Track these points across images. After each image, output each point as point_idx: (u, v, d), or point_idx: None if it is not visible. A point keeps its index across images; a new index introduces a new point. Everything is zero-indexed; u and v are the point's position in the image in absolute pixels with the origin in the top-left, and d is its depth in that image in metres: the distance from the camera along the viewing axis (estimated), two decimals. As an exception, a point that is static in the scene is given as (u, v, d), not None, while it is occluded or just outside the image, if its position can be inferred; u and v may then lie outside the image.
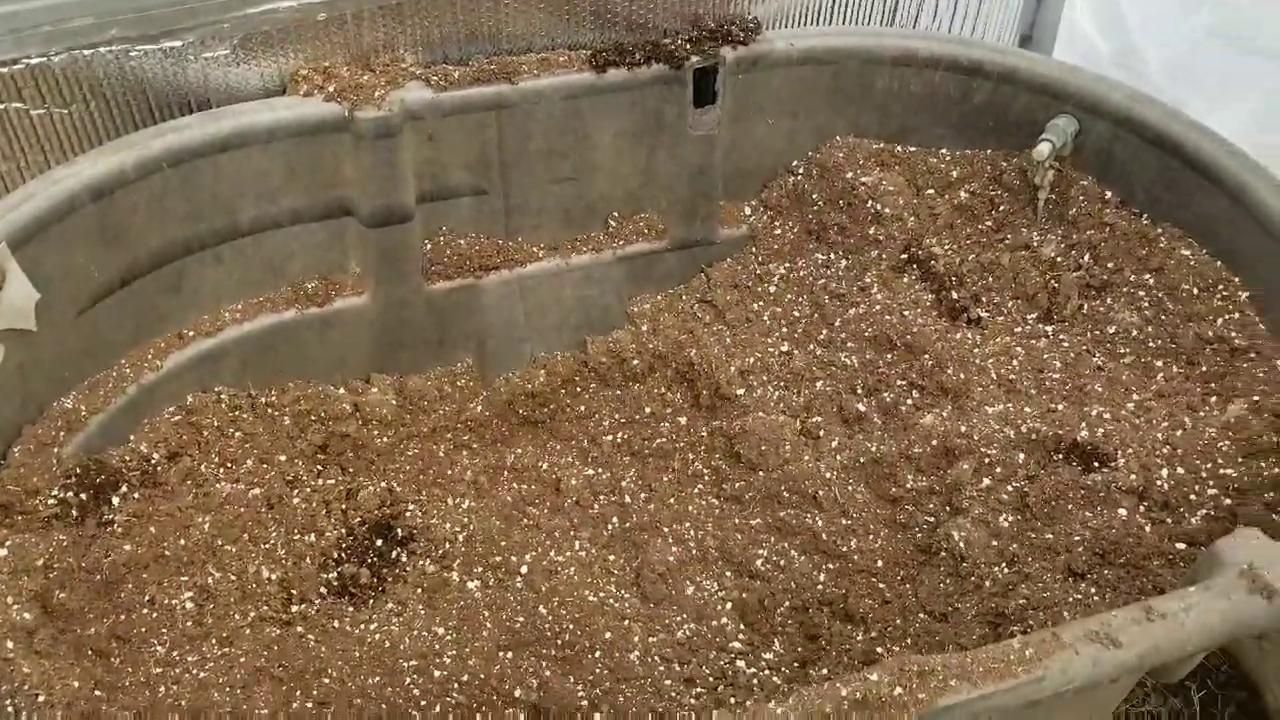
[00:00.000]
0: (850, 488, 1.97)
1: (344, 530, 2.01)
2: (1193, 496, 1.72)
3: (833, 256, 2.31)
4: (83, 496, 1.78)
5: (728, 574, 1.94)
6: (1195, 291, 1.98)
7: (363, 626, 1.83)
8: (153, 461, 1.92)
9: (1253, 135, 2.13)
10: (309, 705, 1.65)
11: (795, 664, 1.76)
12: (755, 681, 1.72)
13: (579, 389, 2.31)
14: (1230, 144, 2.00)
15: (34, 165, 1.94)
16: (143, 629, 1.68)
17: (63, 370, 1.86)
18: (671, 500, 2.09)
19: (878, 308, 2.19)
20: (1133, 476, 1.75)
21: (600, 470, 2.19)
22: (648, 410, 2.26)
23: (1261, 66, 2.15)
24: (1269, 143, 2.09)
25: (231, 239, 2.02)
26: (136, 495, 1.85)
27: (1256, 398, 1.81)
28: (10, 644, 1.37)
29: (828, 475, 1.98)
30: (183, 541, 1.83)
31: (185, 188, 1.90)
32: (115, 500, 1.82)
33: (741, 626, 1.83)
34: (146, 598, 1.73)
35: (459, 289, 2.23)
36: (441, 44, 2.08)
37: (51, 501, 1.73)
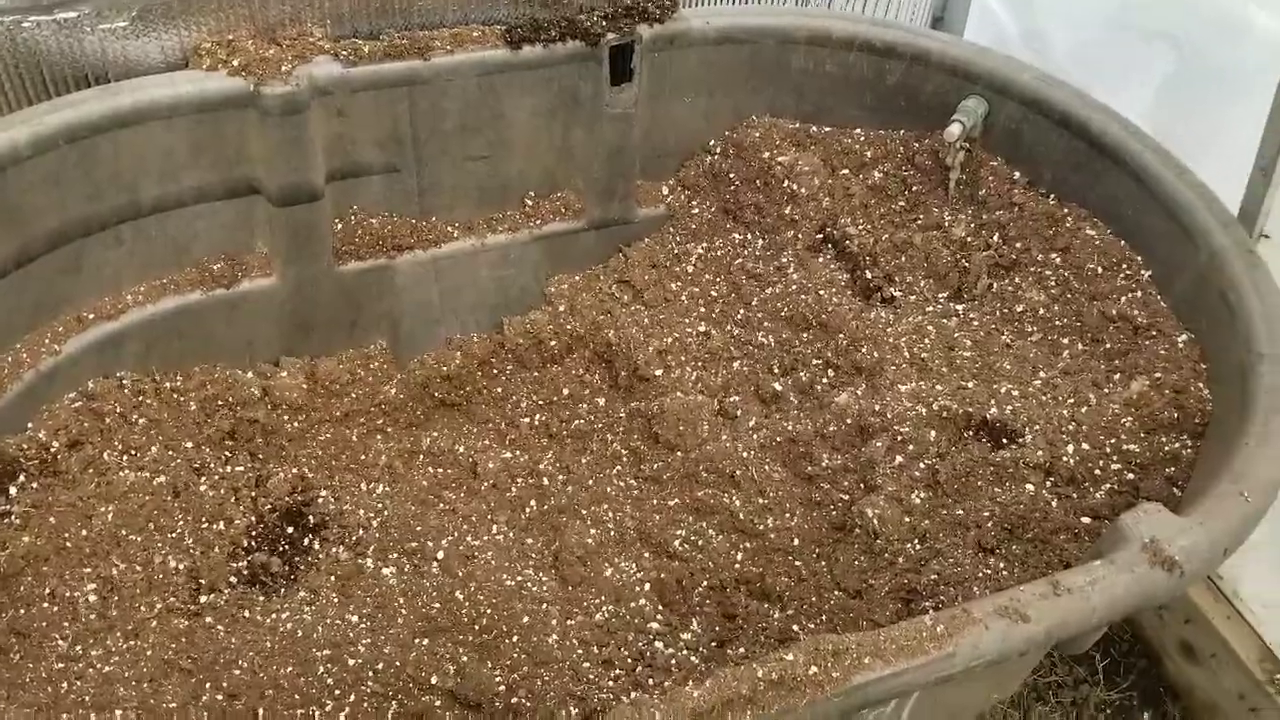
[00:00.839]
0: (767, 467, 1.98)
1: (254, 518, 1.96)
2: (1097, 472, 1.77)
3: (749, 236, 2.32)
4: (-25, 487, 1.71)
5: (646, 555, 1.94)
6: (1100, 271, 2.03)
7: (274, 616, 1.79)
8: (52, 450, 1.85)
9: (1154, 117, 2.18)
10: (219, 698, 1.61)
11: (713, 643, 1.77)
12: (673, 662, 1.73)
13: (495, 371, 2.28)
14: (1134, 126, 2.05)
15: (-82, 141, 1.84)
16: (43, 623, 1.63)
17: (-47, 356, 1.79)
18: (590, 482, 2.09)
19: (794, 287, 2.20)
20: (1040, 453, 1.79)
21: (518, 453, 2.17)
22: (565, 392, 2.25)
23: (1163, 51, 2.20)
24: (1169, 125, 2.15)
25: (133, 218, 1.95)
26: (35, 485, 1.79)
27: (1158, 374, 1.86)
28: (-104, 645, 1.32)
29: (745, 455, 1.99)
30: (84, 532, 1.78)
31: (83, 165, 1.83)
32: (13, 490, 1.76)
33: (660, 607, 1.84)
34: (47, 591, 1.67)
35: (371, 269, 2.19)
36: (351, 18, 2.03)
37: (-57, 493, 1.67)
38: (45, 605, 1.65)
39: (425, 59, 2.03)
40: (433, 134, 2.11)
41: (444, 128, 2.11)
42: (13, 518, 1.71)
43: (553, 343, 2.27)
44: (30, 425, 1.87)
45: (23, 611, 1.62)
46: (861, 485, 1.89)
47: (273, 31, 1.98)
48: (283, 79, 1.92)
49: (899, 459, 1.88)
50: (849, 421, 1.95)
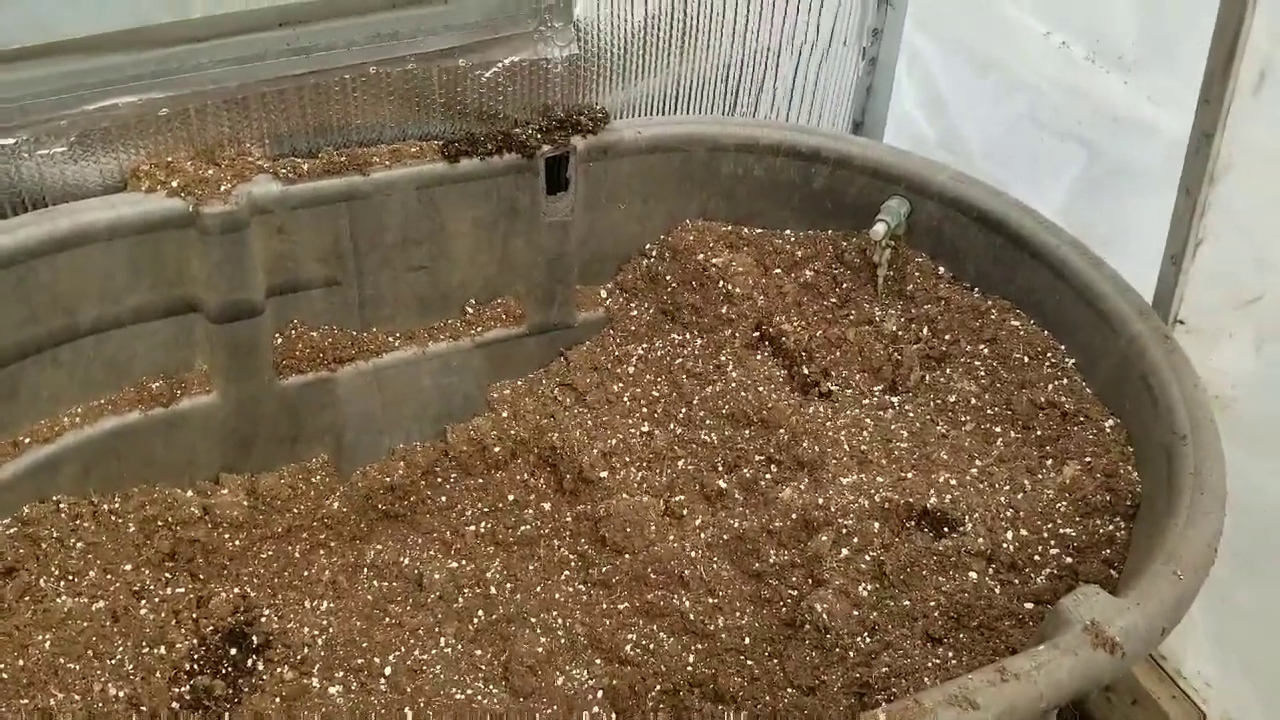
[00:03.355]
0: (715, 565, 1.99)
1: (196, 640, 1.92)
2: (1036, 557, 1.81)
3: (688, 336, 2.37)
4: (-95, 622, 1.66)
5: (597, 661, 1.93)
6: (1027, 360, 2.10)
7: (218, 741, 1.75)
8: (-14, 579, 1.81)
9: (1068, 212, 2.29)
10: (162, 831, 1.56)
11: (669, 749, 1.76)
12: (630, 770, 1.71)
13: (439, 479, 2.28)
14: (1049, 221, 2.14)
15: None
16: (-25, 762, 1.57)
17: (-117, 486, 1.75)
18: (538, 589, 2.08)
19: (733, 385, 2.24)
20: (980, 540, 1.83)
21: (464, 562, 2.16)
22: (511, 498, 2.25)
23: (1073, 150, 2.32)
24: (1082, 219, 2.25)
25: (71, 340, 1.94)
26: (-33, 616, 1.74)
27: (1088, 459, 1.91)
28: None
29: (693, 554, 2.00)
30: (21, 662, 1.73)
31: (20, 289, 1.82)
32: (-57, 623, 1.71)
33: (613, 715, 1.82)
34: (-21, 728, 1.62)
35: (312, 383, 2.19)
36: (290, 136, 2.07)
37: None
38: (-22, 742, 1.60)
39: (364, 174, 2.07)
40: (373, 247, 2.14)
41: (384, 241, 2.14)
42: (-56, 651, 1.66)
43: (497, 449, 2.27)
44: (-38, 554, 1.82)
45: (-46, 750, 1.56)
46: (809, 580, 1.91)
47: (211, 152, 2.01)
48: (222, 198, 1.94)
49: (844, 552, 1.90)
50: (794, 516, 1.97)
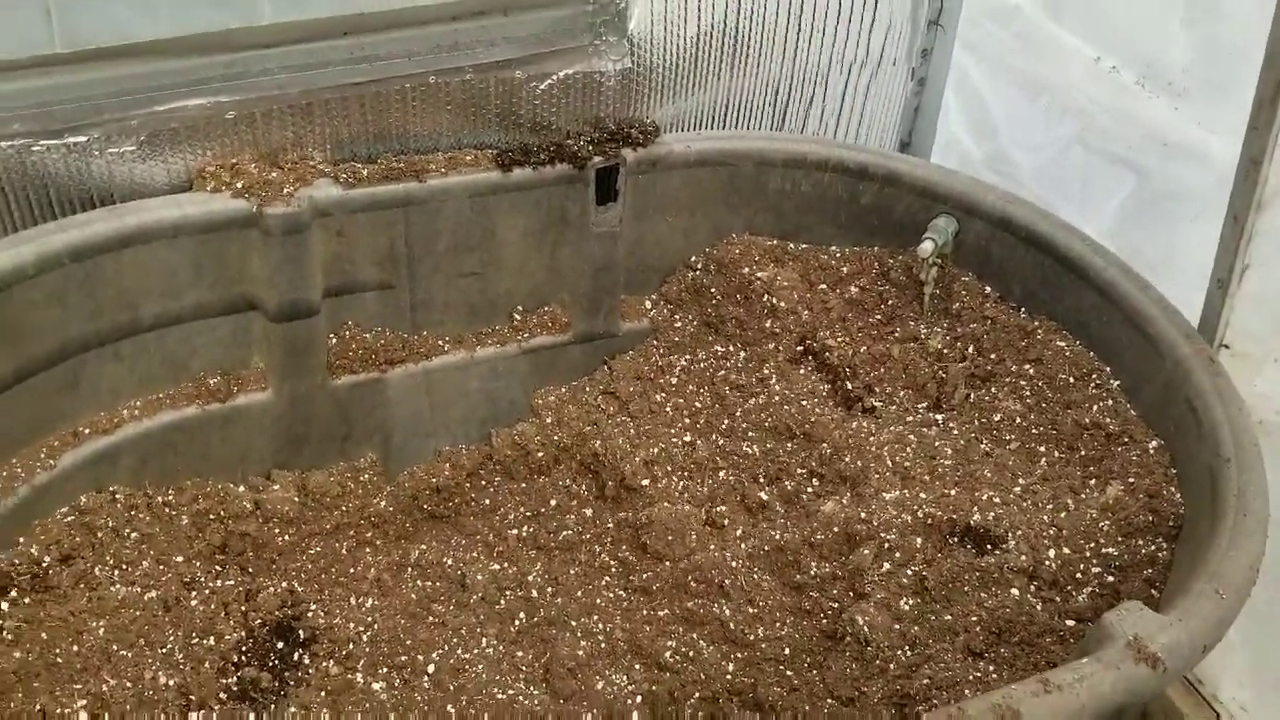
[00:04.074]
0: (756, 576, 2.01)
1: (244, 633, 1.95)
2: (1078, 575, 1.81)
3: (731, 349, 2.39)
4: (-31, 603, 1.71)
5: (637, 667, 1.95)
6: (1072, 380, 2.11)
7: (266, 731, 1.78)
8: (44, 564, 1.85)
9: (1115, 235, 2.30)
10: (211, 816, 1.59)
11: (707, 755, 1.77)
12: (669, 773, 1.73)
13: (484, 482, 2.31)
14: (1097, 243, 2.15)
15: (-77, 261, 1.89)
16: (33, 741, 1.61)
17: (-50, 471, 1.80)
18: (579, 593, 2.10)
19: (776, 398, 2.26)
20: (1023, 557, 1.84)
21: (506, 564, 2.18)
22: (553, 503, 2.28)
23: (1122, 173, 2.33)
24: (1130, 242, 2.26)
25: (133, 335, 1.99)
26: (27, 600, 1.79)
27: (1132, 480, 1.92)
28: (-103, 761, 1.31)
29: (733, 564, 2.02)
30: (76, 648, 1.77)
31: (87, 284, 1.87)
32: (4, 606, 1.75)
33: None
34: (38, 708, 1.65)
35: (364, 383, 2.23)
36: (350, 142, 2.12)
37: (-65, 610, 1.66)
38: (37, 723, 1.64)
39: (421, 181, 2.11)
40: (427, 252, 2.18)
41: (438, 246, 2.18)
42: (4, 633, 1.70)
43: (540, 454, 2.30)
44: (22, 540, 1.87)
45: (12, 730, 1.60)
46: (850, 593, 1.92)
47: (275, 155, 2.06)
48: (285, 201, 1.99)
49: (886, 566, 1.92)
50: (836, 530, 1.99)
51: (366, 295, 2.19)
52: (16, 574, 1.81)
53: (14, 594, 1.77)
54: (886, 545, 1.94)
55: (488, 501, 2.30)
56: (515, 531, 2.25)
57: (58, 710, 1.67)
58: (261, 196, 1.98)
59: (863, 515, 1.99)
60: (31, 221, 1.93)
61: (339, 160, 2.12)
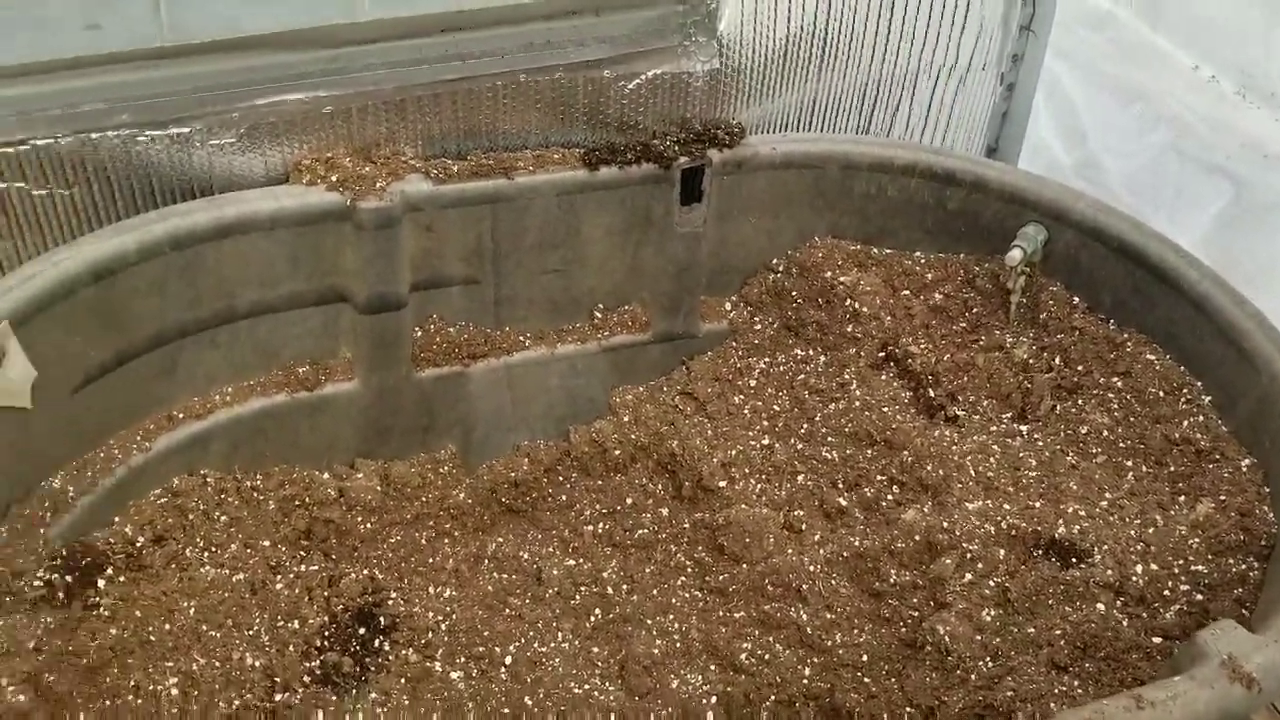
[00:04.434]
0: (834, 582, 2.00)
1: (326, 618, 1.99)
2: (1166, 592, 1.78)
3: (812, 352, 2.38)
4: (68, 579, 1.76)
5: (712, 667, 1.96)
6: (1161, 395, 2.07)
7: (347, 717, 1.81)
8: (138, 544, 1.90)
9: (1209, 246, 2.25)
10: (297, 797, 1.63)
11: (783, 758, 1.77)
12: (744, 775, 1.73)
13: (561, 478, 2.33)
14: (1191, 255, 2.11)
15: (33, 245, 1.95)
16: (129, 716, 1.65)
17: (53, 450, 1.85)
18: (654, 592, 2.11)
19: (857, 404, 2.25)
20: (1109, 572, 1.81)
21: (581, 560, 2.20)
22: (629, 501, 2.29)
23: (1218, 183, 2.28)
24: (1225, 255, 2.21)
25: (228, 323, 2.04)
26: (122, 579, 1.84)
27: (1223, 497, 1.88)
28: (6, 729, 1.35)
29: (811, 569, 2.01)
30: (168, 626, 1.81)
31: (187, 272, 1.92)
32: (101, 583, 1.80)
33: (728, 720, 1.84)
34: (132, 683, 1.70)
35: (447, 376, 2.26)
36: (441, 138, 2.15)
37: (37, 584, 1.71)
38: (130, 698, 1.68)
39: (509, 178, 2.13)
40: (513, 249, 2.20)
41: (523, 243, 2.20)
42: (101, 610, 1.75)
43: (617, 452, 2.31)
44: (118, 520, 1.92)
45: (109, 703, 1.65)
46: (931, 602, 1.91)
47: (368, 150, 2.10)
48: (377, 195, 2.02)
49: (968, 576, 1.90)
50: (917, 538, 1.97)
51: (452, 290, 2.21)
52: (113, 553, 1.86)
53: (110, 572, 1.82)
54: (969, 555, 1.92)
55: (564, 497, 2.31)
56: (591, 528, 2.26)
57: (151, 687, 1.71)
58: (355, 190, 2.01)
59: (944, 525, 1.97)
60: (134, 210, 1.98)
61: (430, 156, 2.15)
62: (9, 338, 1.69)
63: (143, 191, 1.97)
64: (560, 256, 2.26)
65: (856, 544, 2.03)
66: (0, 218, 1.91)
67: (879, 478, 2.14)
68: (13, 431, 1.74)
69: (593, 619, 2.07)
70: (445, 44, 2.05)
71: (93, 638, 1.69)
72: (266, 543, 2.04)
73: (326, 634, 1.96)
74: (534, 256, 2.24)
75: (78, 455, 1.90)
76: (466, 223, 2.13)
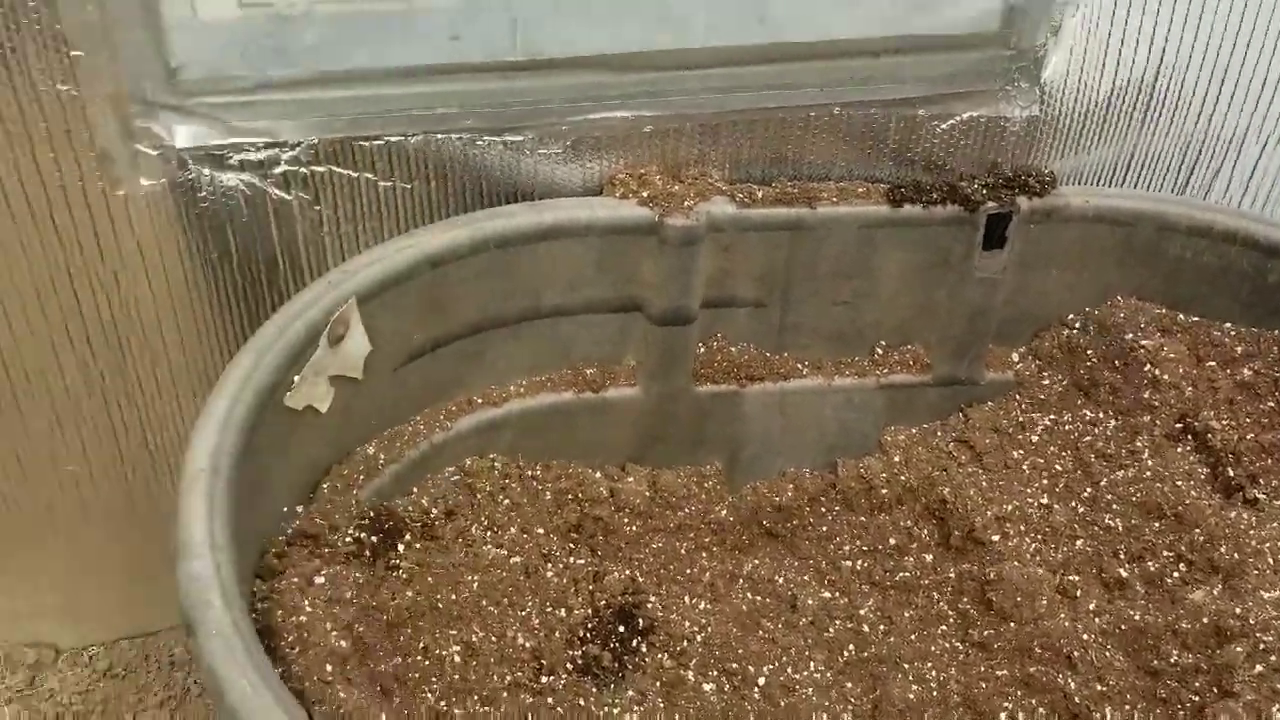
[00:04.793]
0: (1108, 654, 1.92)
1: (590, 610, 2.07)
2: None
3: (1101, 415, 2.29)
4: (374, 539, 1.90)
5: (968, 720, 1.92)
6: None
7: (606, 710, 1.88)
8: (431, 516, 2.04)
9: None
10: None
11: (1041, 827, 1.71)
12: (999, 837, 1.68)
13: (823, 509, 2.33)
14: None
15: (371, 230, 2.13)
16: (416, 674, 1.78)
17: (371, 419, 2.02)
18: (913, 636, 2.08)
19: (1147, 474, 2.15)
20: None
21: (837, 594, 2.20)
22: (892, 541, 2.27)
23: None
24: None
25: (531, 319, 2.16)
26: (418, 545, 1.97)
27: None
28: (329, 667, 1.48)
29: (1085, 637, 1.94)
30: (454, 596, 1.93)
31: (506, 269, 2.05)
32: (400, 547, 1.94)
33: (987, 777, 1.80)
34: (421, 645, 1.83)
35: (723, 394, 2.31)
36: (748, 163, 2.20)
37: (348, 540, 1.86)
38: (419, 658, 1.81)
39: (812, 208, 2.16)
40: (805, 277, 2.23)
41: (817, 272, 2.23)
42: (400, 572, 1.89)
43: (884, 491, 2.30)
44: (415, 490, 2.07)
45: (401, 660, 1.78)
46: (1215, 688, 1.80)
47: (678, 170, 2.18)
48: (684, 213, 2.09)
49: (1259, 668, 1.78)
50: (1204, 620, 1.87)
51: (739, 311, 2.26)
52: (410, 520, 2.00)
53: (408, 538, 1.96)
54: (1261, 646, 1.80)
55: (825, 529, 2.31)
56: (849, 563, 2.26)
57: (437, 650, 1.83)
58: (664, 207, 2.10)
59: (1237, 611, 1.85)
60: (463, 207, 2.13)
61: (735, 179, 2.21)
62: (354, 313, 1.85)
63: (473, 191, 2.12)
64: (851, 289, 2.27)
65: (1136, 618, 1.94)
66: (348, 203, 2.09)
67: (1166, 553, 2.03)
68: (344, 399, 1.90)
69: (846, 654, 2.06)
70: (765, 73, 2.10)
71: (392, 597, 1.82)
72: (541, 530, 2.15)
73: (590, 626, 2.04)
74: (825, 286, 2.26)
75: (389, 427, 2.06)
76: (764, 247, 2.18)
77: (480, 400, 2.18)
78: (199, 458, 1.51)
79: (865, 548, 2.27)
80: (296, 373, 1.78)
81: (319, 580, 1.65)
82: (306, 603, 1.58)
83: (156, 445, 2.30)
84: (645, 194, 2.12)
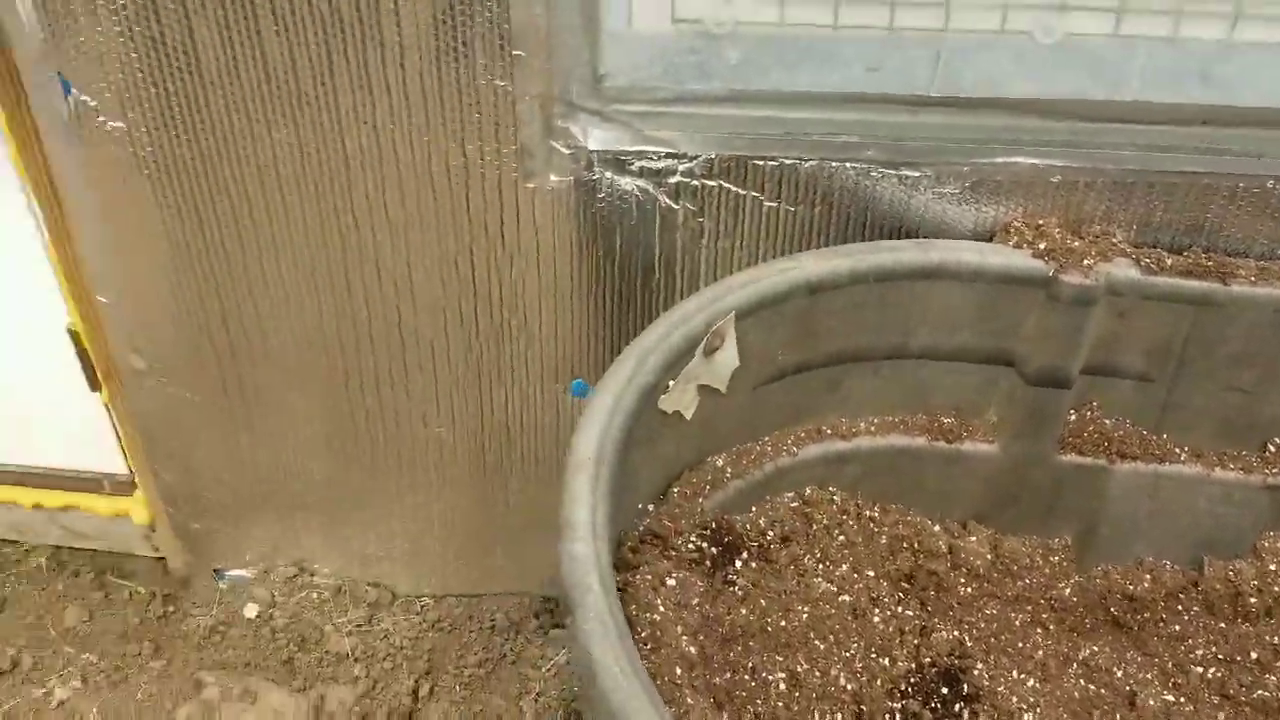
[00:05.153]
0: None
1: (913, 665, 2.01)
2: None
3: None
4: (714, 550, 1.93)
5: None
6: None
7: (924, 771, 1.81)
8: (767, 538, 2.04)
9: None
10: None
11: None
12: None
13: (1180, 608, 2.15)
14: None
15: (747, 249, 2.16)
16: (743, 693, 1.78)
17: (725, 433, 2.04)
18: (1273, 767, 1.88)
19: None
20: None
21: (1183, 700, 2.02)
22: (1254, 655, 2.06)
23: None
24: None
25: (894, 358, 2.11)
26: (754, 565, 1.98)
27: None
28: (679, 670, 1.51)
29: None
30: (783, 623, 1.93)
31: (880, 303, 2.02)
32: (738, 564, 1.95)
33: None
34: (750, 665, 1.83)
35: (1088, 468, 2.17)
36: (1157, 228, 2.05)
37: (691, 546, 1.89)
38: (746, 677, 1.81)
39: (1224, 284, 1.99)
40: (1203, 356, 2.05)
41: (1217, 353, 2.05)
42: (736, 589, 1.90)
43: (1253, 600, 2.09)
44: (753, 510, 2.07)
45: (730, 676, 1.79)
46: None
47: (1079, 225, 2.06)
48: (1083, 271, 1.98)
49: None
50: None
51: (1121, 382, 2.12)
52: (748, 538, 2.01)
53: (745, 556, 1.97)
54: None
55: (1178, 628, 2.13)
56: (1200, 670, 2.07)
57: (763, 674, 1.83)
58: (1060, 262, 1.99)
59: None
60: (845, 236, 2.12)
61: (1140, 243, 2.07)
62: (730, 328, 1.88)
63: (857, 221, 2.10)
64: (1253, 377, 2.07)
65: None
66: (731, 218, 2.13)
67: None
68: (707, 409, 1.94)
69: (1189, 770, 1.89)
70: (1197, 134, 1.95)
71: (728, 611, 1.84)
72: (871, 573, 2.10)
73: (912, 681, 1.98)
74: (1224, 369, 2.07)
75: (741, 443, 2.08)
76: (1164, 318, 2.02)
77: (829, 431, 2.16)
78: (588, 444, 1.57)
79: (1222, 656, 2.07)
80: (672, 377, 1.83)
81: (670, 582, 1.68)
82: (659, 602, 1.62)
83: (515, 425, 2.44)
84: (1042, 245, 2.02)
